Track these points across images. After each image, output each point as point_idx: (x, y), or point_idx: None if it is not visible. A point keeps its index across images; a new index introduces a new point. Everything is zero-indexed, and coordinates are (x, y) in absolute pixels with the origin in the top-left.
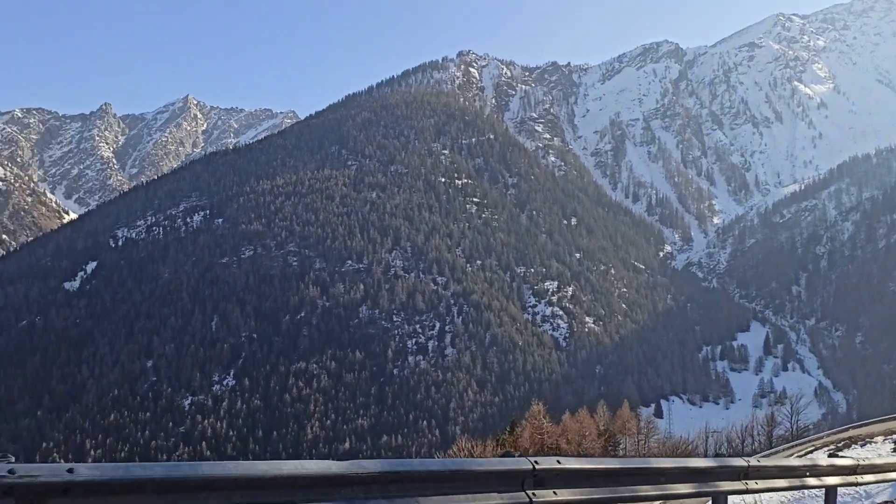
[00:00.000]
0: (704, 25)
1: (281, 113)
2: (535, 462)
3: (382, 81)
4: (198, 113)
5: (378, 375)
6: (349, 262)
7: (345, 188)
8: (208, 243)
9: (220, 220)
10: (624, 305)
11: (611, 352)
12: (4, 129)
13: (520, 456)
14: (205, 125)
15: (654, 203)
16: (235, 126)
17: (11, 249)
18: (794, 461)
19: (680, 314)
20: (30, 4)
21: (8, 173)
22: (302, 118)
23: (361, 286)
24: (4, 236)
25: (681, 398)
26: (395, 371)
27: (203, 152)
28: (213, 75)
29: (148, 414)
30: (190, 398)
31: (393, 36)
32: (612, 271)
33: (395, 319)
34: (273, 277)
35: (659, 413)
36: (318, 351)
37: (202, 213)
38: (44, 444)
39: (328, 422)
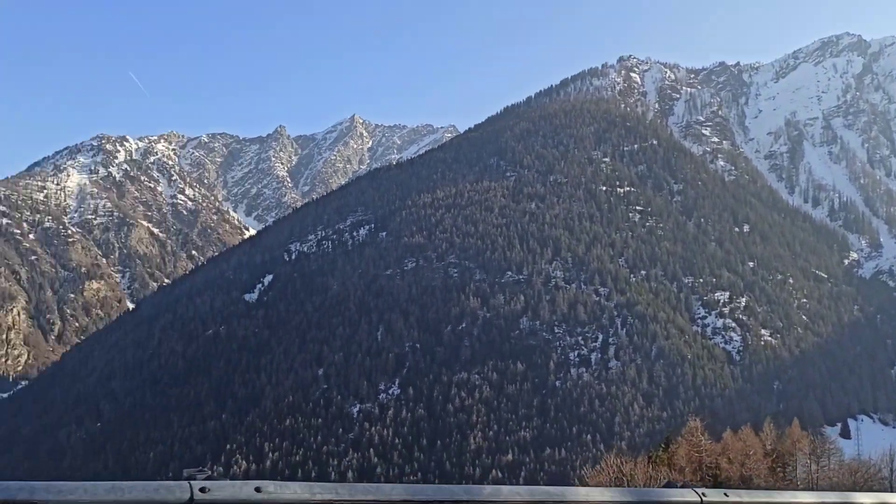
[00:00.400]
0: (890, 14)
1: (441, 128)
2: (703, 494)
3: (541, 91)
4: (363, 131)
5: (540, 387)
6: (509, 273)
7: (504, 199)
8: (373, 256)
9: (384, 234)
10: (804, 317)
11: (790, 366)
12: (193, 153)
13: (683, 486)
14: (370, 142)
15: (838, 207)
16: (398, 142)
17: (200, 264)
18: None
19: (869, 326)
20: (217, 43)
21: (196, 194)
22: (461, 132)
23: (522, 297)
24: (194, 252)
25: (871, 417)
26: (558, 383)
27: (368, 168)
28: (377, 94)
29: (320, 420)
30: (358, 406)
31: (551, 47)
32: (791, 281)
33: (556, 331)
34: (434, 289)
35: (846, 433)
36: (480, 362)
37: (367, 227)
38: (227, 446)
39: (490, 433)
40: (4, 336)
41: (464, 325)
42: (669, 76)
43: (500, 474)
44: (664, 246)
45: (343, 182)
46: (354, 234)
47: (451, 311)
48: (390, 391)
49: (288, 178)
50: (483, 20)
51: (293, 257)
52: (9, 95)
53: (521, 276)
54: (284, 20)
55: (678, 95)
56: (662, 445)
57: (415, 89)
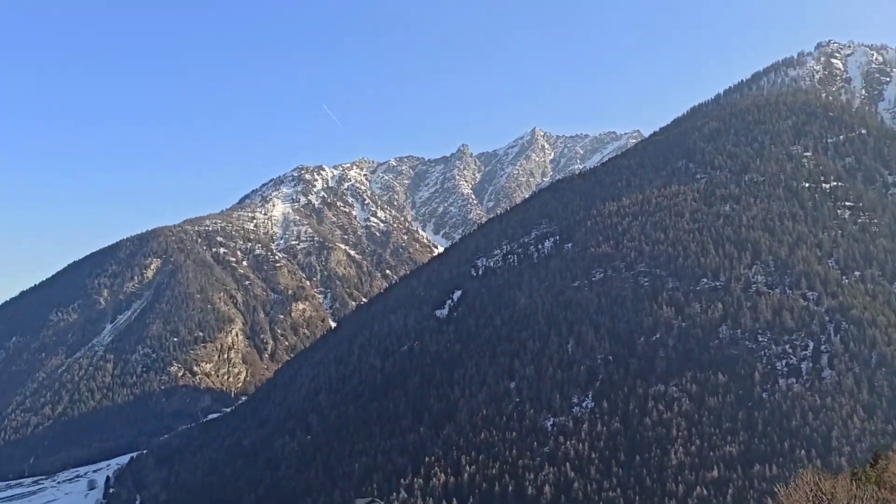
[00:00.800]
0: None
1: (625, 134)
2: None
3: (730, 88)
4: (545, 143)
5: (745, 399)
6: (704, 280)
7: (694, 203)
8: (560, 268)
9: (570, 245)
10: None
11: None
12: (383, 177)
13: None
14: (552, 154)
15: None
16: (581, 152)
17: (393, 283)
18: None
19: None
20: (399, 71)
21: (388, 216)
22: (647, 136)
23: (720, 305)
24: (388, 271)
25: None
26: (765, 395)
27: (551, 181)
28: (556, 106)
29: (514, 433)
30: (552, 419)
31: (737, 41)
32: None
33: (760, 339)
34: (625, 299)
35: None
36: (677, 373)
37: (552, 239)
38: (426, 459)
39: (692, 447)
40: (226, 355)
41: (658, 335)
42: (877, 59)
43: (704, 491)
44: (880, 244)
45: (526, 196)
46: (539, 246)
47: (644, 321)
48: (584, 404)
49: (472, 195)
50: (662, 22)
51: (480, 272)
52: (221, 135)
53: (717, 283)
54: (461, 46)
55: (888, 79)
56: (870, 461)
57: (595, 97)
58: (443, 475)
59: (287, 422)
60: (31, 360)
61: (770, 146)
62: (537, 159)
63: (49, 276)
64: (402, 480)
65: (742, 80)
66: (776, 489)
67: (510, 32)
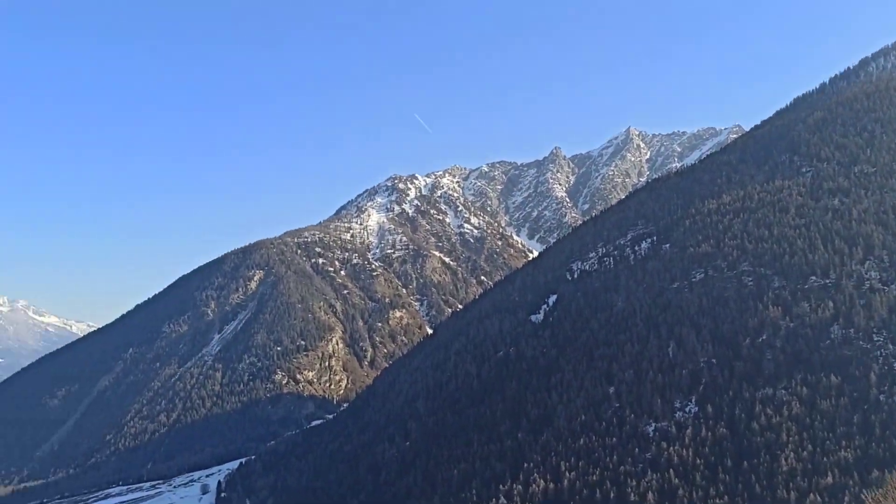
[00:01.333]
0: None
1: (725, 129)
2: None
3: (836, 75)
4: (640, 143)
5: (860, 402)
6: (812, 277)
7: (800, 198)
8: (657, 269)
9: (668, 245)
10: None
11: None
12: (475, 183)
13: None
14: (648, 153)
15: None
16: (679, 150)
17: (488, 288)
18: None
19: None
20: (487, 76)
21: (481, 222)
22: (747, 130)
23: (830, 303)
24: (483, 277)
25: None
26: (882, 397)
27: (648, 181)
28: (652, 104)
29: (614, 439)
30: (653, 424)
31: (842, 25)
32: None
33: (875, 339)
34: (727, 299)
35: None
36: (786, 376)
37: (649, 240)
38: (525, 465)
39: (804, 453)
40: (327, 363)
41: (764, 336)
42: None
43: (818, 498)
44: None
45: (623, 197)
46: (636, 248)
47: (749, 322)
48: (687, 409)
49: (567, 198)
50: (760, 10)
51: (575, 276)
52: (319, 149)
53: (827, 281)
54: (551, 45)
55: None
56: None
57: (692, 93)
58: (542, 481)
59: (387, 428)
60: (147, 370)
61: (881, 135)
62: (633, 159)
63: (161, 289)
64: (500, 486)
65: (849, 67)
66: (864, 496)
67: (600, 34)
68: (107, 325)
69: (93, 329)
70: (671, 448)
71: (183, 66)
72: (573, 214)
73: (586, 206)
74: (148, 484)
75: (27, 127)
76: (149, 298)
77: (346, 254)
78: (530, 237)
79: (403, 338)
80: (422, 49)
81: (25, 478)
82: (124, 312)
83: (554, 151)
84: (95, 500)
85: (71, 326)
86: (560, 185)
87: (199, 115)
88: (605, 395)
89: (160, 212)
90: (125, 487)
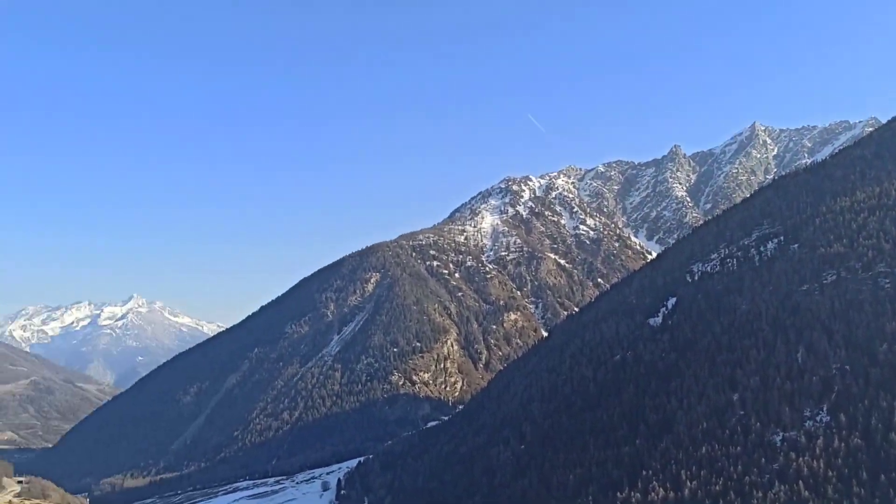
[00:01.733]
0: None
1: (860, 122)
2: None
3: None
4: (766, 139)
5: None
6: None
7: None
8: (785, 270)
9: (796, 246)
10: None
11: None
12: (591, 184)
13: None
14: (775, 150)
15: None
16: (809, 145)
17: (604, 291)
18: None
19: None
20: (602, 73)
21: (597, 223)
22: (884, 123)
23: None
24: (599, 279)
25: None
26: None
27: (776, 178)
28: (778, 98)
29: (738, 448)
30: (781, 434)
31: None
32: None
33: None
34: (862, 302)
35: None
36: None
37: (776, 240)
38: (643, 472)
39: None
40: (442, 365)
41: None
42: None
43: None
44: None
45: (748, 195)
46: (762, 248)
47: (886, 326)
48: (818, 418)
49: (687, 198)
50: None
51: (696, 278)
52: (433, 153)
53: None
54: (667, 41)
55: None
56: None
57: (823, 85)
58: (661, 490)
59: (502, 430)
60: (271, 369)
61: None
62: (759, 156)
63: (284, 291)
64: (618, 494)
65: None
66: None
67: (721, 26)
68: (234, 326)
69: (222, 329)
70: (801, 459)
71: (308, 80)
72: (694, 214)
73: (709, 206)
74: (272, 479)
75: (171, 141)
76: (272, 300)
77: (460, 256)
78: (649, 238)
79: (518, 340)
80: (536, 48)
81: (161, 470)
82: (250, 313)
83: (673, 149)
84: (224, 493)
85: (202, 326)
86: (680, 184)
87: (318, 126)
88: (729, 402)
89: (285, 219)
90: (251, 482)
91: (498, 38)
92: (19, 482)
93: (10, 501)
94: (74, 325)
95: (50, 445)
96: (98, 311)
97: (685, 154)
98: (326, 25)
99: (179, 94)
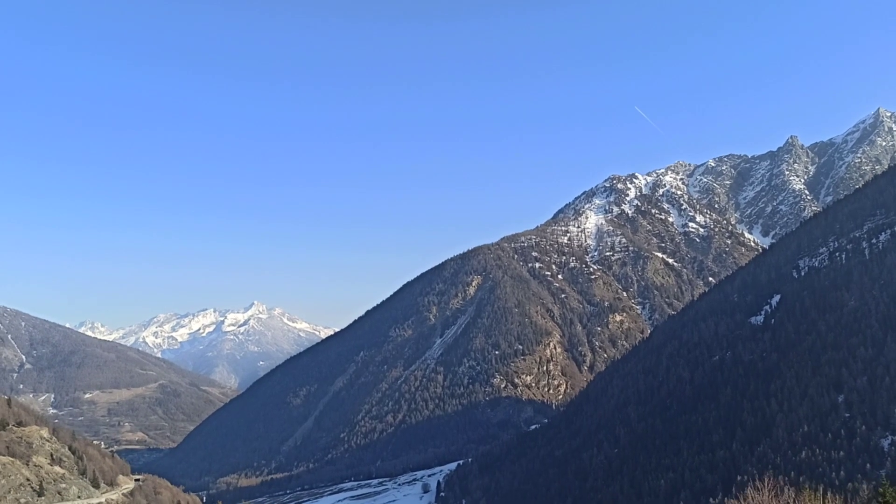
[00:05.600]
0: None
1: None
2: None
3: None
4: (893, 125)
5: None
6: None
7: None
8: None
9: None
10: None
11: None
12: (701, 179)
13: None
14: None
15: None
16: None
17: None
18: None
19: None
20: (713, 63)
21: (708, 220)
22: None
23: None
24: (710, 278)
25: None
26: None
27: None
28: None
29: (842, 453)
30: (890, 437)
31: None
32: None
33: None
34: None
35: None
36: None
37: (888, 232)
38: (738, 477)
39: None
40: (545, 367)
41: None
42: None
43: None
44: None
45: None
46: (873, 241)
47: None
48: None
49: (806, 191)
50: None
51: (802, 274)
52: (536, 153)
53: None
54: (781, 26)
55: None
56: None
57: None
58: (757, 494)
59: (597, 433)
60: (376, 372)
61: None
62: (884, 144)
63: (388, 296)
64: (711, 500)
65: None
66: None
67: (838, 9)
68: (341, 330)
69: None
70: None
71: (409, 94)
72: (814, 208)
73: (829, 199)
74: (376, 480)
75: (289, 156)
76: (377, 304)
77: (563, 257)
78: (764, 234)
79: (624, 342)
80: (639, 43)
81: (273, 470)
82: (356, 318)
83: (790, 141)
84: (330, 494)
85: (319, 332)
86: (797, 176)
87: (424, 138)
88: (833, 404)
89: (395, 226)
90: (355, 483)
91: (604, 26)
92: (136, 480)
93: (103, 501)
94: (201, 331)
95: (175, 446)
96: (222, 318)
97: (803, 145)
98: (443, 41)
99: (306, 110)
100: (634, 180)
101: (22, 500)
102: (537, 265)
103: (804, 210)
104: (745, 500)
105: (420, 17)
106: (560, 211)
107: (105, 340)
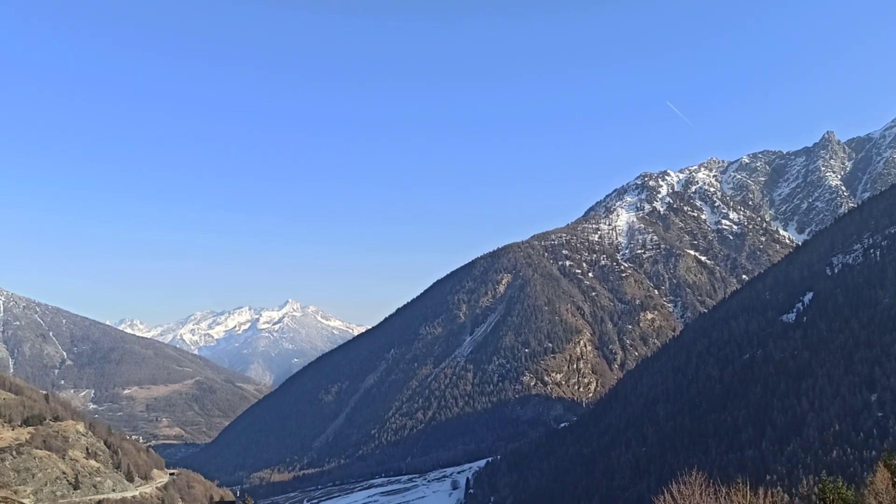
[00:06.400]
0: None
1: None
2: None
3: None
4: None
5: None
6: None
7: None
8: None
9: None
10: None
11: None
12: (735, 176)
13: None
14: None
15: None
16: None
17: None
18: None
19: None
20: (746, 58)
21: (742, 217)
22: None
23: None
24: (744, 276)
25: None
26: None
27: None
28: None
29: (873, 452)
30: None
31: None
32: None
33: None
34: None
35: None
36: None
37: None
38: (767, 476)
39: None
40: (575, 366)
41: None
42: None
43: None
44: None
45: None
46: None
47: None
48: None
49: (842, 187)
50: None
51: (836, 271)
52: (567, 151)
53: None
54: (816, 19)
55: None
56: None
57: None
58: (786, 495)
59: (625, 432)
60: (406, 370)
61: None
62: None
63: (417, 294)
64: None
65: None
66: None
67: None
68: (372, 328)
69: None
70: None
71: (438, 92)
72: (851, 205)
73: (867, 195)
74: (405, 477)
75: (324, 157)
76: (408, 302)
77: (594, 255)
78: (799, 231)
79: (656, 340)
80: (674, 35)
81: (305, 466)
82: (387, 316)
83: (826, 136)
84: (360, 490)
85: (353, 329)
86: (834, 172)
87: (452, 136)
88: (866, 404)
89: (427, 225)
90: (385, 479)
91: (633, 19)
92: (170, 474)
93: (134, 496)
94: (236, 328)
95: (210, 441)
96: (257, 316)
97: (839, 140)
98: (472, 36)
99: (344, 107)
100: (666, 177)
101: (58, 493)
102: (567, 263)
103: (841, 206)
104: (673, 498)
105: (463, 15)
106: (591, 209)
107: (143, 337)
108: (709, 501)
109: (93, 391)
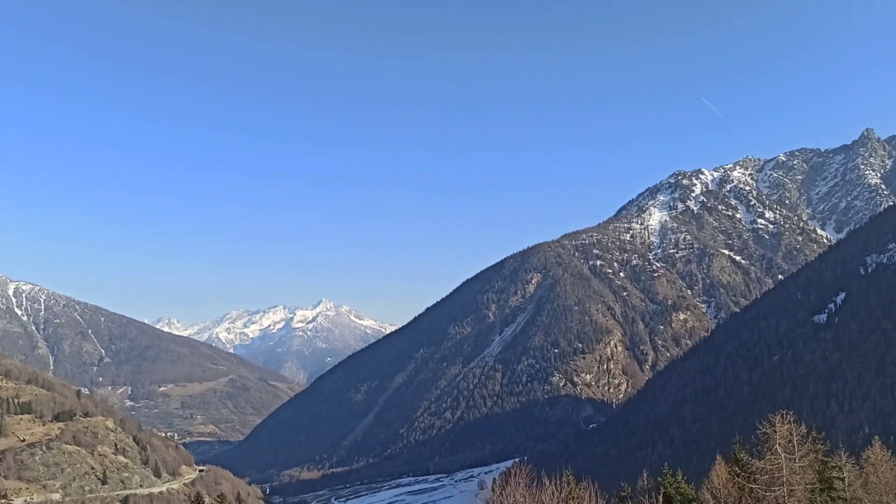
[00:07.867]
0: None
1: None
2: None
3: None
4: None
5: None
6: None
7: None
8: None
9: None
10: None
11: None
12: (771, 174)
13: None
14: None
15: None
16: None
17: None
18: None
19: None
20: (779, 56)
21: (778, 216)
22: None
23: None
24: (780, 276)
25: None
26: None
27: None
28: None
29: None
30: None
31: None
32: None
33: None
34: None
35: None
36: None
37: None
38: None
39: None
40: (605, 366)
41: None
42: None
43: None
44: None
45: None
46: None
47: None
48: None
49: (882, 185)
50: None
51: (870, 270)
52: (598, 148)
53: None
54: (854, 14)
55: None
56: None
57: None
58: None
59: (652, 433)
60: (435, 369)
61: None
62: None
63: (447, 293)
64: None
65: None
66: None
67: None
68: (402, 327)
69: None
70: None
71: (460, 73)
72: (890, 203)
73: None
74: (433, 477)
75: (360, 162)
76: (437, 301)
77: (626, 255)
78: (837, 231)
79: (688, 341)
80: (710, 31)
81: (334, 464)
82: (416, 315)
83: (865, 134)
84: (388, 489)
85: (385, 329)
86: (873, 170)
87: (480, 114)
88: None
89: (455, 226)
90: (413, 479)
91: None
92: (199, 471)
93: (161, 492)
94: (271, 327)
95: (243, 438)
96: (291, 315)
97: (879, 138)
98: (489, 23)
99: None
100: (700, 176)
101: (86, 488)
102: (598, 263)
103: (880, 205)
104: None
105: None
106: (623, 208)
107: (179, 336)
108: None
109: (130, 388)
